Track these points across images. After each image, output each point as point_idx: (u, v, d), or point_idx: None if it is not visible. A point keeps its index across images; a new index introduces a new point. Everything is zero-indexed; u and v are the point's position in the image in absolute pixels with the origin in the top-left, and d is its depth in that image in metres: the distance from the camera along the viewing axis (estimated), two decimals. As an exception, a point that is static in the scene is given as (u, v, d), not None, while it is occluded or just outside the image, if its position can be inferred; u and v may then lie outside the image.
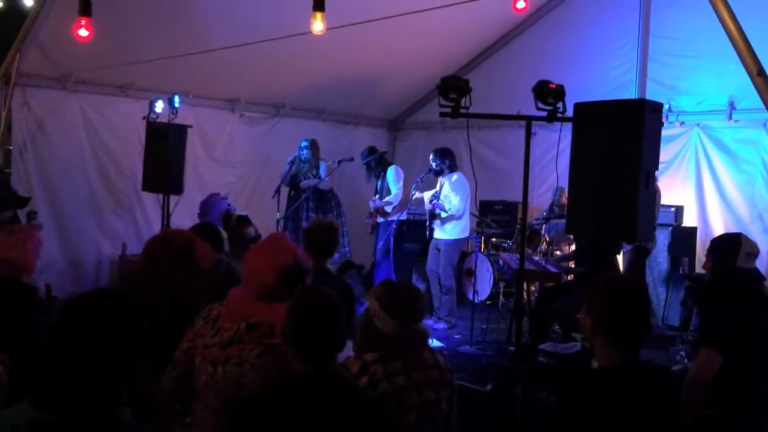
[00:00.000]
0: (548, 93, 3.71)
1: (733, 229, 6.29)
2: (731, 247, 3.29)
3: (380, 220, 7.76)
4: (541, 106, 3.75)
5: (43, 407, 1.55)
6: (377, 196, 7.74)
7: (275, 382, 2.18)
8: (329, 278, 3.89)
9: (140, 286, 2.83)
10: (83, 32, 5.13)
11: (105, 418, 1.58)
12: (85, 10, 5.08)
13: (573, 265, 6.54)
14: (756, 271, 3.28)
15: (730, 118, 7.06)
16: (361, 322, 2.56)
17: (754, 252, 3.28)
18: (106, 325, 1.61)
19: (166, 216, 6.36)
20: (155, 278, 2.89)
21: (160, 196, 6.55)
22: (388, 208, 7.63)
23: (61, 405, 1.55)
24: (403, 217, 7.67)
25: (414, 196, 7.43)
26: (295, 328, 2.18)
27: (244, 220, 6.46)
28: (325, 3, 4.91)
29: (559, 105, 3.73)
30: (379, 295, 2.58)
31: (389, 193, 7.63)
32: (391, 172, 7.66)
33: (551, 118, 3.75)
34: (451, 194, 7.01)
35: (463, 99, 3.71)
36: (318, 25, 4.95)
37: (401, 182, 7.65)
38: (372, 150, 7.83)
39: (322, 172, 7.38)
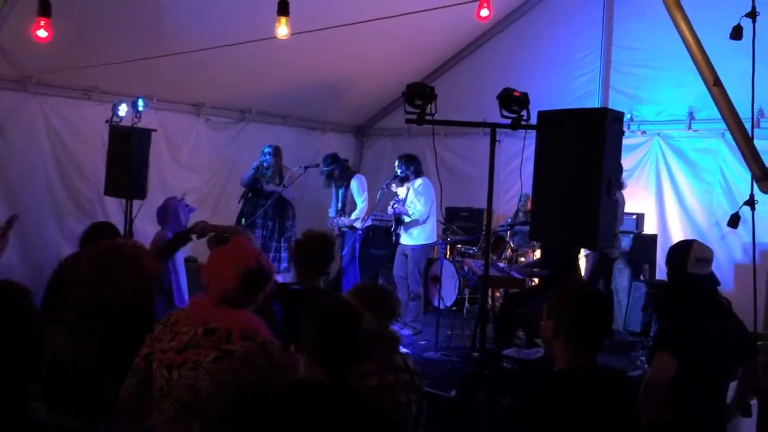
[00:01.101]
0: (513, 101, 3.75)
1: (691, 236, 6.41)
2: (682, 253, 3.36)
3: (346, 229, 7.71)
4: (505, 113, 3.78)
5: None
6: (340, 205, 7.63)
7: (294, 391, 2.17)
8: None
9: (89, 288, 2.75)
10: (42, 33, 5.04)
11: (12, 415, 1.54)
12: (45, 10, 5.00)
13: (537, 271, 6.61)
14: (711, 276, 3.34)
15: (690, 128, 7.23)
16: None
17: (705, 258, 3.33)
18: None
19: (128, 221, 6.26)
20: (103, 281, 2.81)
21: (123, 200, 6.46)
22: (357, 224, 7.56)
23: None
24: (368, 223, 7.65)
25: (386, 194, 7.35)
26: (317, 338, 2.18)
27: None
28: (289, 8, 4.92)
29: (524, 113, 3.76)
30: (354, 293, 2.65)
31: (353, 203, 7.52)
32: (355, 183, 7.53)
33: (515, 125, 3.78)
34: (415, 199, 7.04)
35: (429, 106, 3.73)
36: (282, 29, 4.96)
37: (365, 193, 7.56)
38: (335, 158, 7.60)
39: (286, 181, 7.32)
